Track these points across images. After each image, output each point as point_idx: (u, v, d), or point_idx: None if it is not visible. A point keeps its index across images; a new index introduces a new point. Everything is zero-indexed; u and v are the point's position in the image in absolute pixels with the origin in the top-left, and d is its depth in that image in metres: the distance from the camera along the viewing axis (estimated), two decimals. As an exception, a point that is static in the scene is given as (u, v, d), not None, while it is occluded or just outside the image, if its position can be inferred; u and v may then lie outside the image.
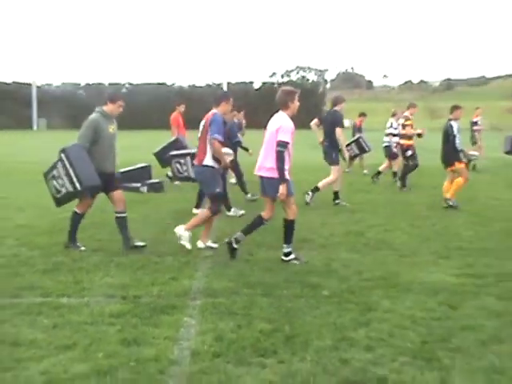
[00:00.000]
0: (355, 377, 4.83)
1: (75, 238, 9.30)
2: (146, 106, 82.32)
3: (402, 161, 17.81)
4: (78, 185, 8.75)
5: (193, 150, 12.31)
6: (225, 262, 8.53)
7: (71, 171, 8.71)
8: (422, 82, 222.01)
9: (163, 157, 15.91)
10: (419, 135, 16.93)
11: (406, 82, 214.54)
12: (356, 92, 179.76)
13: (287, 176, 8.54)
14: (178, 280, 7.61)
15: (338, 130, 13.64)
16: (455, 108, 13.74)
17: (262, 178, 8.85)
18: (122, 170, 15.85)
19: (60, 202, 9.28)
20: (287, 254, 8.77)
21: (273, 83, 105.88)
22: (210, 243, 9.63)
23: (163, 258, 8.69)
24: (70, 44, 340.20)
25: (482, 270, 8.20)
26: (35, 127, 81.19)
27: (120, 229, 9.40)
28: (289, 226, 8.81)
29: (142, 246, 9.28)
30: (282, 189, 8.42)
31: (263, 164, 8.78)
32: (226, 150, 9.82)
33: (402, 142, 17.33)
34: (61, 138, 26.16)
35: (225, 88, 45.25)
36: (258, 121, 15.78)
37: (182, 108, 18.37)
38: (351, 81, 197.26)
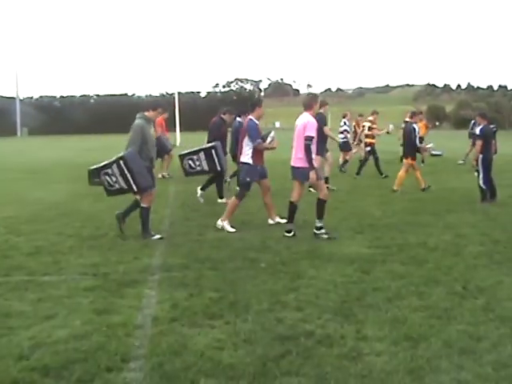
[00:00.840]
0: (288, 332, 4.90)
1: (148, 229, 8.97)
2: (111, 114, 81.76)
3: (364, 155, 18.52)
4: (134, 187, 8.68)
5: (204, 146, 12.14)
6: (178, 242, 8.54)
7: (129, 176, 8.58)
8: (338, 89, 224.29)
9: None
10: (388, 132, 17.58)
11: (326, 90, 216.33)
12: (285, 99, 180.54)
13: (315, 164, 8.72)
14: (140, 259, 7.58)
15: (326, 128, 13.78)
16: (415, 114, 14.77)
17: (293, 167, 9.04)
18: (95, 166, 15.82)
19: (110, 193, 9.09)
20: (319, 228, 8.87)
21: (216, 92, 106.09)
22: (278, 219, 9.84)
23: (127, 241, 8.64)
24: (45, 60, 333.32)
25: (388, 241, 8.39)
26: (19, 134, 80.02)
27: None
28: (320, 204, 8.94)
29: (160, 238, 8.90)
30: (312, 174, 8.67)
31: (295, 156, 8.95)
32: (271, 134, 9.79)
33: (367, 140, 17.95)
34: (40, 142, 25.98)
35: (176, 97, 44.45)
36: (205, 124, 15.77)
37: (165, 115, 18.41)
38: (281, 89, 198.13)
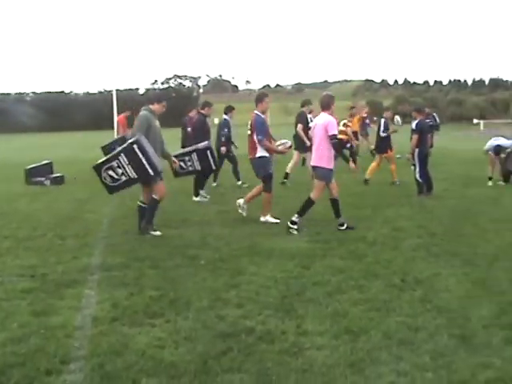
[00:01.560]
0: (229, 329, 4.90)
1: (152, 223, 8.91)
2: (48, 112, 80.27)
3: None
4: (150, 170, 8.49)
5: (197, 147, 11.93)
6: (117, 241, 8.44)
7: (144, 160, 8.43)
8: (277, 85, 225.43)
9: (110, 150, 15.73)
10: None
11: (264, 86, 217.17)
12: (224, 95, 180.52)
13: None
14: (79, 258, 7.47)
15: (299, 126, 14.41)
16: (386, 109, 15.29)
17: (314, 166, 9.29)
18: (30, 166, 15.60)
19: (113, 189, 8.89)
20: (341, 225, 9.10)
21: (154, 89, 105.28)
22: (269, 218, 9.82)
23: (66, 240, 8.52)
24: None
25: (328, 236, 8.50)
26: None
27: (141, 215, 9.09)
28: (308, 203, 9.16)
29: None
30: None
31: (316, 155, 9.19)
32: (282, 141, 10.17)
33: (341, 136, 18.35)
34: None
35: (114, 94, 43.88)
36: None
37: (127, 113, 18.69)
38: (220, 86, 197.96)
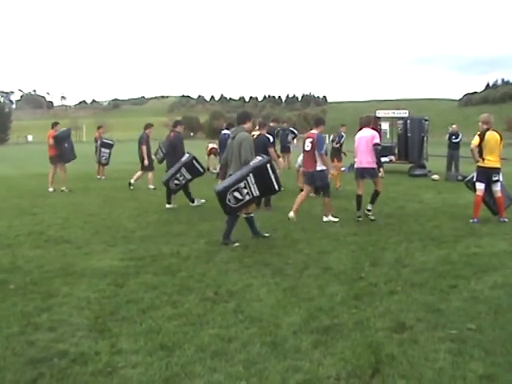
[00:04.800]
0: (40, 354, 4.70)
1: (258, 230, 9.64)
2: None
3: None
4: (277, 187, 9.05)
5: (183, 161, 13.16)
6: None
7: (273, 177, 8.95)
8: (94, 101, 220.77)
9: None
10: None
11: (80, 102, 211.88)
12: (38, 112, 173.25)
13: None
14: None
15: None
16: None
17: (363, 168, 11.69)
18: None
19: (232, 210, 9.04)
20: (369, 210, 11.75)
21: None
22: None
23: None
24: None
25: (141, 253, 8.44)
26: None
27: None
28: (376, 195, 11.82)
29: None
30: (382, 171, 11.81)
31: (365, 160, 11.62)
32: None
33: None
34: None
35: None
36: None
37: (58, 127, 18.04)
38: (34, 102, 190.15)
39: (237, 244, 9.05)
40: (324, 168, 11.42)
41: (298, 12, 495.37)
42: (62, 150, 17.50)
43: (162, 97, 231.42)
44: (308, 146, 11.48)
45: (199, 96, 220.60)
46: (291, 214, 11.29)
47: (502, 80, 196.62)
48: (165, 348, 4.83)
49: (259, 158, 9.05)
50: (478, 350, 4.76)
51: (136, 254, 8.37)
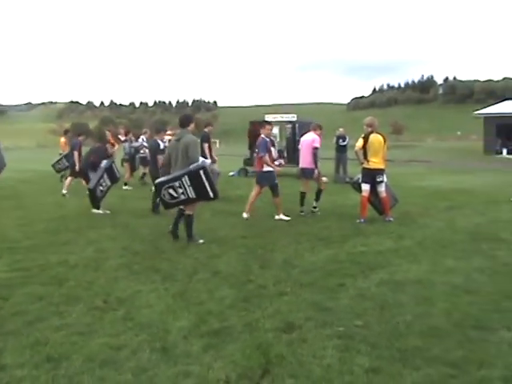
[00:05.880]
0: None
1: (193, 234, 9.60)
2: None
3: None
4: (211, 194, 9.26)
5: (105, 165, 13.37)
6: None
7: (207, 184, 9.16)
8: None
9: None
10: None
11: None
12: None
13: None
14: None
15: (205, 145, 15.12)
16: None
17: (303, 168, 13.01)
18: None
19: (169, 206, 9.55)
20: (315, 207, 13.05)
21: None
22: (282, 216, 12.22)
23: None
24: None
25: (28, 263, 8.11)
26: None
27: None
28: (319, 192, 13.16)
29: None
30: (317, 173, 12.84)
31: (305, 161, 12.88)
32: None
33: None
34: None
35: None
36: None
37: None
38: None
39: (201, 241, 9.50)
40: (271, 169, 12.09)
41: (186, 17, 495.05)
42: None
43: (51, 103, 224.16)
44: (256, 149, 12.35)
45: (88, 102, 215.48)
46: (244, 214, 12.16)
47: (388, 85, 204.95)
48: (52, 360, 4.68)
49: (200, 160, 9.41)
50: (364, 345, 4.95)
51: (22, 265, 8.03)
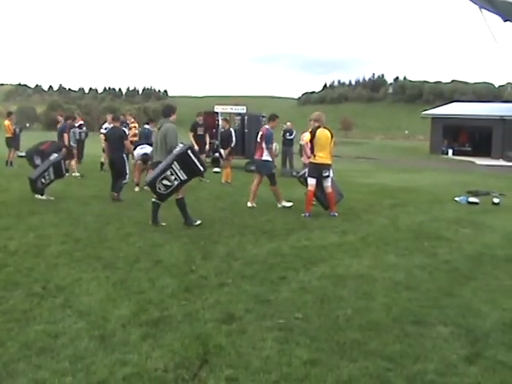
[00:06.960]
0: None
1: (189, 215, 10.16)
2: None
3: None
4: (201, 168, 9.88)
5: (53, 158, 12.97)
6: None
7: (196, 160, 9.67)
8: None
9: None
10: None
11: None
12: None
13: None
14: None
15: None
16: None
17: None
18: None
19: (165, 197, 9.80)
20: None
21: None
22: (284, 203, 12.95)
23: None
24: None
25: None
26: None
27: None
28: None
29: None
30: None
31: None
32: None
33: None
34: None
35: None
36: None
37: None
38: None
39: (198, 222, 10.14)
40: (270, 159, 12.85)
41: (139, 4, 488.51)
42: None
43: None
44: (259, 138, 12.98)
45: (37, 85, 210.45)
46: (249, 203, 12.76)
47: (339, 81, 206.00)
48: (-14, 348, 4.59)
49: (181, 145, 9.86)
50: (303, 338, 5.02)
51: None
